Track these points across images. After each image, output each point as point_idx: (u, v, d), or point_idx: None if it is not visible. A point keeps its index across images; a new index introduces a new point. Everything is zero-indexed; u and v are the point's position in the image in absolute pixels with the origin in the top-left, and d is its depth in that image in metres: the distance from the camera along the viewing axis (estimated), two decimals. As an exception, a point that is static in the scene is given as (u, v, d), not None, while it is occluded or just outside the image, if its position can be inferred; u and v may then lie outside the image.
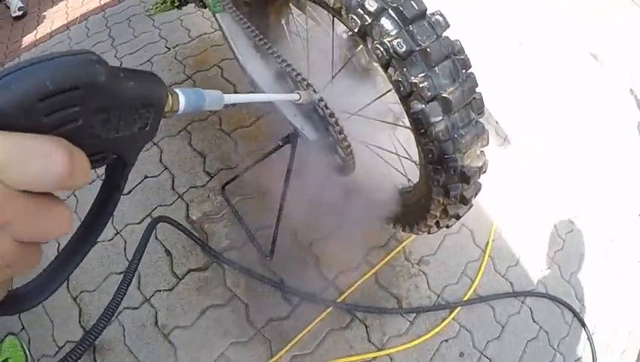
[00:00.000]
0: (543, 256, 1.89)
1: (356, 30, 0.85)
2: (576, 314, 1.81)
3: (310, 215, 1.66)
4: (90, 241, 0.36)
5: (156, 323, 1.55)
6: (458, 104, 0.84)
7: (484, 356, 1.59)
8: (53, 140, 0.24)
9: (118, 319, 1.57)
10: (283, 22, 1.43)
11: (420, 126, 0.86)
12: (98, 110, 0.28)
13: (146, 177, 1.89)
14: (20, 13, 3.67)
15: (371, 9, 0.81)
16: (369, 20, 0.82)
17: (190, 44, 2.49)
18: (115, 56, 2.56)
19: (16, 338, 1.61)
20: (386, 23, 0.82)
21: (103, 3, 3.31)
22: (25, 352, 1.58)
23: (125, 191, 1.81)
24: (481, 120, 0.90)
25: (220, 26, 1.44)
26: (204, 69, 2.29)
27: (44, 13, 3.61)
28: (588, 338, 1.81)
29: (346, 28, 0.92)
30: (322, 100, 1.03)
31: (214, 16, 1.44)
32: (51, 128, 0.25)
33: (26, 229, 0.25)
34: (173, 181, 1.88)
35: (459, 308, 1.63)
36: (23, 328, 1.63)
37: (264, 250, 1.60)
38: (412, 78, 0.81)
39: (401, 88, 0.84)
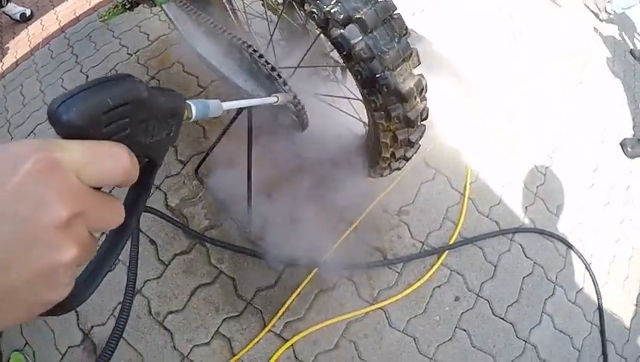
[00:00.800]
0: (526, 192, 1.89)
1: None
2: (569, 245, 1.81)
3: (281, 178, 1.67)
4: (124, 238, 0.42)
5: (150, 311, 1.56)
6: (374, 23, 0.84)
7: (481, 297, 1.59)
8: (118, 144, 0.32)
9: (113, 316, 1.58)
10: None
11: (342, 50, 0.88)
12: (141, 120, 0.36)
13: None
14: (-18, 50, 3.68)
15: None
16: None
17: (150, 47, 2.51)
18: (80, 71, 2.58)
19: (21, 353, 1.63)
20: None
21: (62, 25, 3.33)
22: None
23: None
24: (406, 39, 0.90)
25: (168, 16, 1.46)
26: (166, 67, 2.31)
27: (7, 45, 3.62)
28: (586, 268, 1.81)
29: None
30: (262, 57, 1.05)
31: (162, 8, 1.45)
32: (109, 136, 0.32)
33: (96, 219, 0.30)
34: (147, 173, 1.87)
35: (446, 252, 1.63)
36: (27, 343, 1.65)
37: (242, 224, 1.60)
38: (325, 7, 0.83)
39: (317, 18, 0.86)
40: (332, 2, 0.83)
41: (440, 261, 1.61)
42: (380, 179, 1.51)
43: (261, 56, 1.05)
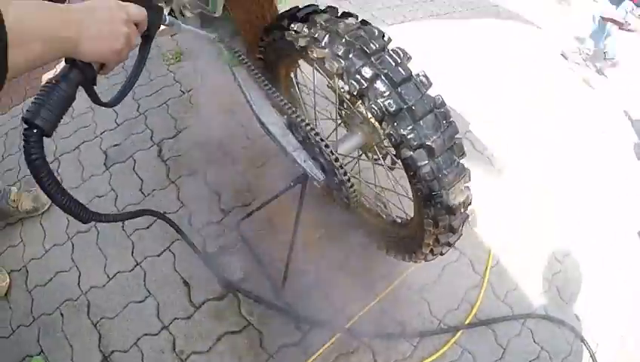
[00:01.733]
0: (542, 279, 1.97)
1: (355, 92, 1.00)
2: (575, 332, 1.87)
3: (319, 247, 1.79)
4: (140, 67, 0.90)
5: (174, 349, 1.65)
6: (440, 150, 0.99)
7: None
8: (140, 7, 0.80)
9: (137, 345, 1.67)
10: (292, 75, 1.58)
11: (409, 169, 1.03)
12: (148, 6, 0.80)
13: (165, 213, 2.02)
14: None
15: (367, 75, 0.97)
16: (365, 85, 0.97)
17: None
18: (132, 98, 2.71)
19: (42, 358, 1.71)
20: (379, 86, 0.97)
21: (120, 47, 3.50)
22: None
23: (144, 226, 1.96)
24: (462, 161, 1.05)
25: (235, 77, 1.59)
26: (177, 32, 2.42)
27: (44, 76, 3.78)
28: (591, 356, 1.86)
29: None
30: (328, 147, 1.17)
31: (231, 70, 1.59)
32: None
33: (133, 20, 0.77)
34: (190, 217, 2.01)
35: (460, 331, 1.71)
36: (42, 352, 1.73)
37: (276, 282, 1.72)
38: (401, 130, 0.97)
39: (393, 139, 1.00)
40: (409, 128, 0.98)
41: (454, 339, 1.69)
42: None
43: (322, 140, 1.19)
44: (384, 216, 1.57)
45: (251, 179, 2.13)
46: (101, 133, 2.53)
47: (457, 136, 1.05)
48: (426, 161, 1.00)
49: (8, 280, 2.03)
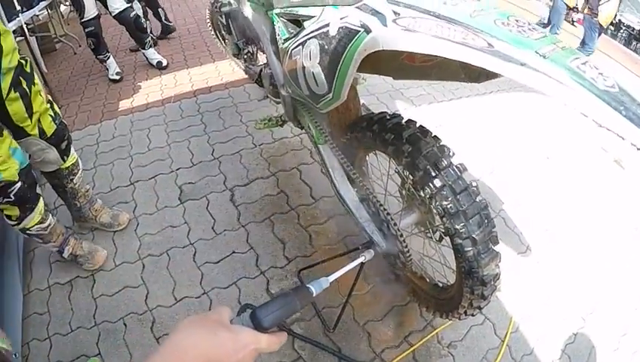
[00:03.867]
0: (555, 348, 2.14)
1: (427, 196, 1.36)
2: None
3: (366, 299, 2.09)
4: None
5: None
6: (481, 240, 1.34)
7: None
8: (280, 336, 0.70)
9: None
10: (367, 157, 1.91)
11: (458, 252, 1.39)
12: (290, 315, 0.74)
13: (234, 252, 2.34)
14: (118, 77, 4.24)
15: (437, 184, 1.33)
16: (434, 191, 1.32)
17: (273, 144, 2.96)
18: (207, 142, 3.06)
19: (100, 359, 1.87)
20: (444, 193, 1.32)
21: (194, 88, 3.86)
22: None
23: (215, 260, 2.28)
24: (495, 248, 1.40)
25: (320, 155, 1.90)
26: (286, 170, 2.76)
27: (139, 83, 4.13)
28: None
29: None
30: (394, 221, 1.52)
31: (317, 148, 1.90)
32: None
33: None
34: (257, 259, 2.30)
35: None
36: (99, 354, 1.92)
37: (327, 324, 2.01)
38: (456, 225, 1.33)
39: (449, 231, 1.36)
40: (461, 224, 1.33)
41: None
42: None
43: (389, 215, 1.53)
44: (428, 280, 1.86)
45: (313, 233, 2.43)
46: (177, 169, 2.87)
47: (494, 229, 1.39)
48: (471, 248, 1.35)
49: (105, 252, 2.33)
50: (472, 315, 1.62)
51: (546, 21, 5.55)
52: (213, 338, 0.58)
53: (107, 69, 4.29)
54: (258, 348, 0.63)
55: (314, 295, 0.79)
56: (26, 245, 2.37)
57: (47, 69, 4.68)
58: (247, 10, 1.90)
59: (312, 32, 1.32)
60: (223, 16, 2.05)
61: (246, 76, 2.95)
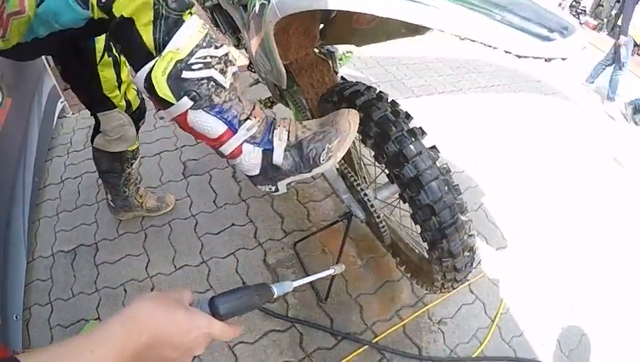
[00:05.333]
0: (545, 332, 2.18)
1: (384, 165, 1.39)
2: None
3: (359, 273, 2.14)
4: None
5: None
6: (442, 209, 1.31)
7: None
8: (235, 328, 0.69)
9: None
10: None
11: (419, 223, 1.40)
12: (247, 310, 0.71)
13: (234, 225, 2.39)
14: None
15: (390, 151, 1.33)
16: (388, 158, 1.35)
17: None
18: (212, 121, 3.10)
19: (99, 323, 1.93)
20: (398, 159, 1.32)
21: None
22: None
23: (215, 231, 2.33)
24: (463, 216, 1.38)
25: None
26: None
27: None
28: None
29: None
30: (366, 195, 1.57)
31: None
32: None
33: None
34: (255, 231, 2.36)
35: None
36: (98, 318, 1.95)
37: (321, 295, 2.06)
38: (411, 193, 1.34)
39: (405, 198, 1.40)
40: (416, 191, 1.31)
41: None
42: (433, 293, 2.01)
43: (362, 190, 1.58)
44: (417, 251, 1.89)
45: (310, 209, 2.50)
46: (182, 147, 2.91)
47: (459, 197, 1.36)
48: (430, 217, 1.32)
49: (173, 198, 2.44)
50: (453, 288, 1.65)
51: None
52: (169, 315, 0.60)
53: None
54: (211, 334, 0.64)
55: (274, 296, 0.77)
56: (31, 215, 2.40)
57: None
58: (222, 1, 1.93)
59: (249, 14, 1.30)
60: (208, 11, 2.08)
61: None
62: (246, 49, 2.39)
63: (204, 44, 0.98)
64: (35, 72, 2.89)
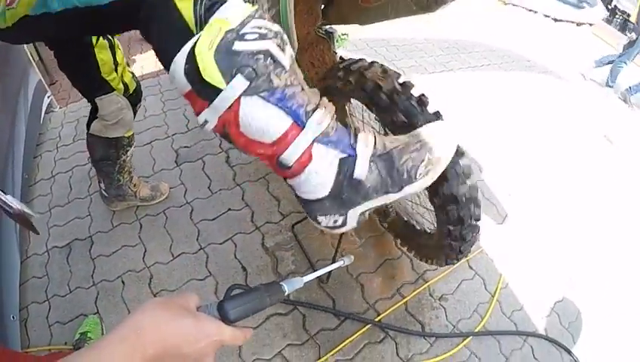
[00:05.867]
0: (545, 305, 2.21)
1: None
2: (572, 355, 2.05)
3: (359, 252, 2.13)
4: None
5: None
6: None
7: None
8: (244, 331, 0.64)
9: None
10: (347, 106, 1.93)
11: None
12: (261, 308, 0.68)
13: (230, 210, 2.36)
14: (112, 52, 4.21)
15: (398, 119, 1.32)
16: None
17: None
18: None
19: (98, 317, 1.88)
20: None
21: (190, 59, 3.86)
22: (103, 332, 1.81)
23: (211, 217, 2.30)
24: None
25: None
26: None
27: (134, 57, 4.11)
28: None
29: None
30: None
31: None
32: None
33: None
34: (252, 215, 2.34)
35: (470, 337, 1.97)
36: (97, 312, 1.93)
37: (322, 276, 2.04)
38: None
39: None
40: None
41: (464, 343, 1.95)
42: (433, 270, 2.05)
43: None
44: (418, 227, 1.88)
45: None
46: (173, 135, 2.88)
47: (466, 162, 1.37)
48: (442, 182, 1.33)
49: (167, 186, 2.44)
50: (457, 260, 1.63)
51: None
52: (176, 324, 0.55)
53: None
54: (221, 340, 0.60)
55: (286, 294, 0.73)
56: (23, 212, 2.36)
57: (43, 45, 4.63)
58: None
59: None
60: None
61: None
62: None
63: (257, 15, 0.78)
64: (20, 67, 2.84)
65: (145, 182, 2.45)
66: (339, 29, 1.82)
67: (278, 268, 2.12)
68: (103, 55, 1.67)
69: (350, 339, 1.89)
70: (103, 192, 2.30)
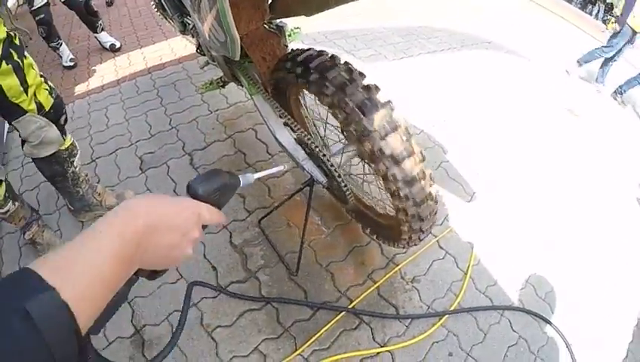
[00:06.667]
0: (519, 278, 2.22)
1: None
2: (550, 324, 2.06)
3: (326, 242, 2.11)
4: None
5: (201, 322, 1.88)
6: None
7: (470, 356, 1.89)
8: (218, 211, 0.73)
9: (167, 320, 1.89)
10: (300, 97, 1.92)
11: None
12: (222, 194, 0.74)
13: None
14: (72, 63, 4.14)
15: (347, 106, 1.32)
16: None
17: (228, 109, 2.98)
18: (164, 113, 3.03)
19: None
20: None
21: (149, 66, 3.81)
22: None
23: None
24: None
25: (255, 105, 1.92)
26: (242, 131, 2.79)
27: (94, 67, 4.05)
28: (567, 347, 2.03)
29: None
30: (325, 156, 1.53)
31: (252, 99, 1.92)
32: (212, 201, 0.71)
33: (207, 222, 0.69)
34: (219, 215, 2.31)
35: (446, 316, 1.97)
36: None
37: (291, 268, 2.04)
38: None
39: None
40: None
41: (440, 322, 1.95)
42: (402, 253, 2.03)
43: (321, 151, 1.54)
44: (378, 209, 1.89)
45: (271, 186, 2.46)
46: (136, 142, 2.85)
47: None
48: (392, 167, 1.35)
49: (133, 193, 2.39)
50: (419, 239, 1.65)
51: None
52: (160, 199, 0.62)
53: (60, 57, 4.18)
54: (200, 213, 0.66)
55: (240, 185, 0.81)
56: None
57: (0, 64, 4.55)
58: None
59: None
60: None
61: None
62: (192, 35, 2.39)
63: None
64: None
65: (110, 190, 2.42)
66: (290, 22, 1.81)
67: (248, 264, 2.10)
68: (8, 81, 1.63)
69: (325, 328, 1.88)
70: (69, 206, 2.27)
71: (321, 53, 1.49)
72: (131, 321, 1.91)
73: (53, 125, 1.87)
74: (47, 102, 1.82)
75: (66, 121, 1.98)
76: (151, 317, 1.92)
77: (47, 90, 1.82)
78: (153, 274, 0.67)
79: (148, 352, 1.81)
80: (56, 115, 1.89)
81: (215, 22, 1.30)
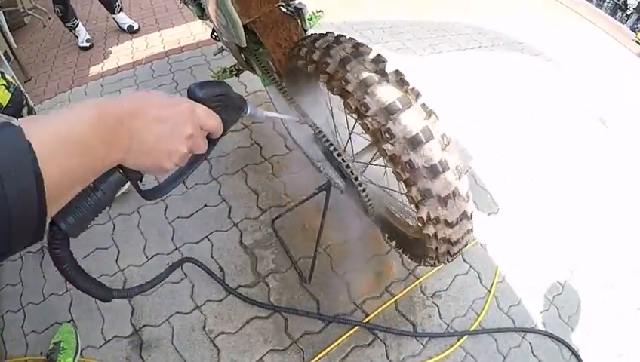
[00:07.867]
0: (543, 299, 2.09)
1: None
2: (573, 351, 1.94)
3: (344, 248, 1.98)
4: (196, 164, 0.73)
5: (204, 327, 1.80)
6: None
7: None
8: (216, 114, 0.67)
9: (168, 321, 1.82)
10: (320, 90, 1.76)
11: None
12: (226, 105, 0.69)
13: (206, 206, 2.23)
14: (88, 44, 4.06)
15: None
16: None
17: (247, 98, 2.83)
18: (179, 99, 2.93)
19: (72, 325, 1.82)
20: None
21: (166, 49, 3.71)
22: (77, 340, 1.77)
23: (186, 215, 2.15)
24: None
25: (269, 97, 1.80)
26: (260, 122, 2.67)
27: (110, 49, 3.98)
28: None
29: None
30: (340, 156, 1.36)
31: (265, 89, 1.81)
32: (213, 107, 0.66)
33: (202, 136, 0.65)
34: (229, 211, 2.20)
35: (465, 336, 1.85)
36: (72, 319, 1.86)
37: (304, 275, 1.91)
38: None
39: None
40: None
41: (459, 343, 1.83)
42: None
43: (336, 150, 1.36)
44: (405, 221, 1.72)
45: (287, 183, 2.33)
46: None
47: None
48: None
49: None
50: (448, 261, 1.46)
51: None
52: (153, 92, 0.60)
53: (77, 37, 4.10)
54: (195, 111, 0.63)
55: (248, 110, 0.78)
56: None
57: (17, 44, 4.47)
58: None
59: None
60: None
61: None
62: (209, 19, 2.26)
63: None
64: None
65: None
66: (311, 5, 1.66)
67: (258, 267, 1.98)
68: None
69: (336, 343, 1.77)
70: None
71: (339, 37, 1.33)
72: (130, 320, 1.84)
73: (15, 120, 1.76)
74: (4, 97, 1.76)
75: (30, 111, 1.90)
76: (151, 317, 1.85)
77: (4, 85, 1.75)
78: (144, 184, 0.65)
79: (145, 354, 1.74)
80: (15, 109, 1.81)
81: (216, 6, 1.24)
